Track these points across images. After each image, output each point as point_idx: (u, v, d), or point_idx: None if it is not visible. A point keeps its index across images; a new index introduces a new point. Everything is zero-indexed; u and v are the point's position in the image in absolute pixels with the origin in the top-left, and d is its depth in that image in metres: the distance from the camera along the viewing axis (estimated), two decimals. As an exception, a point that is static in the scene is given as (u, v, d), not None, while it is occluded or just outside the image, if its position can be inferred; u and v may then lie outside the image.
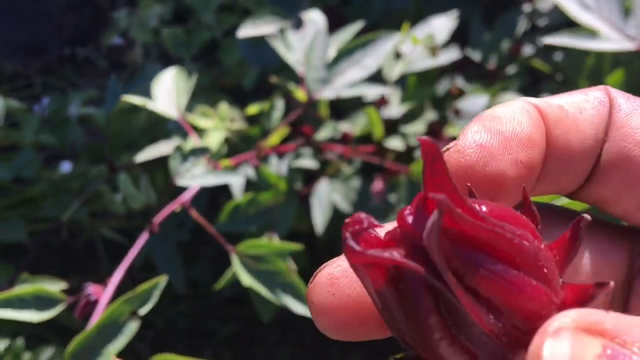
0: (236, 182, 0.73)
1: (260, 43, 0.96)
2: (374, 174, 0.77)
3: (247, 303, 1.17)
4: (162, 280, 0.45)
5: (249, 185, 0.82)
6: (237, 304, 1.16)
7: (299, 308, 0.58)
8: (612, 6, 0.50)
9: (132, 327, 0.43)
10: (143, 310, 0.44)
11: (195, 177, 0.53)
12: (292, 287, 0.58)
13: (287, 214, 0.79)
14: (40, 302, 0.53)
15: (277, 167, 0.80)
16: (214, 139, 0.64)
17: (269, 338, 1.15)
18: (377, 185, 0.74)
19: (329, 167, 0.83)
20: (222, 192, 1.19)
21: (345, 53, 0.65)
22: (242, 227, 0.79)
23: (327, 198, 0.81)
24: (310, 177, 0.87)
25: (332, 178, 0.81)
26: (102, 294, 0.50)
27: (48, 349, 0.81)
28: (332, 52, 0.68)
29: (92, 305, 0.50)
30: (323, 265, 0.22)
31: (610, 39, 0.50)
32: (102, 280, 0.52)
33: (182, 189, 0.68)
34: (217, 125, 0.79)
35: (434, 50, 0.63)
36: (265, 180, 0.80)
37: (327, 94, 0.64)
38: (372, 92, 0.64)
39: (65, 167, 0.92)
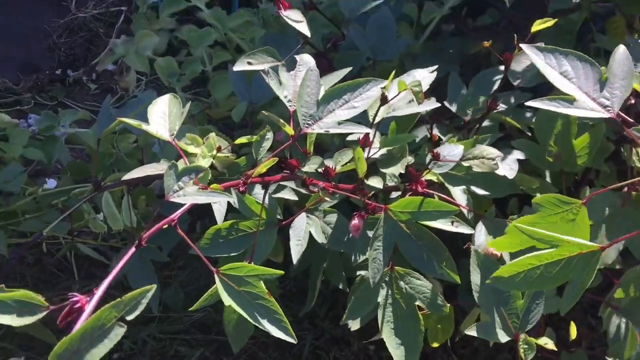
0: (224, 201, 0.77)
1: (250, 79, 1.01)
2: (353, 211, 0.81)
3: (216, 329, 1.18)
4: (151, 289, 0.47)
5: (231, 212, 0.85)
6: (206, 329, 1.17)
7: (276, 332, 0.60)
8: (588, 76, 0.56)
9: (117, 333, 0.45)
10: (130, 317, 0.46)
11: (188, 195, 0.56)
12: (270, 311, 0.60)
13: (266, 243, 0.82)
14: (23, 307, 0.54)
15: (259, 197, 0.83)
16: (202, 165, 0.67)
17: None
18: (355, 222, 0.77)
19: (308, 201, 0.86)
20: (198, 220, 1.22)
21: (335, 93, 0.70)
22: (221, 252, 0.82)
23: (304, 231, 0.84)
24: (288, 209, 0.91)
25: (311, 212, 0.85)
26: (87, 304, 0.52)
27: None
28: (321, 92, 0.72)
29: (75, 313, 0.52)
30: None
31: (587, 107, 0.56)
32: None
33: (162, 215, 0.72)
34: (204, 152, 0.82)
35: (419, 96, 0.68)
36: (247, 208, 0.83)
37: (316, 129, 0.68)
38: (358, 131, 0.68)
39: (51, 183, 0.94)
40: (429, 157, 0.83)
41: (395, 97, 0.73)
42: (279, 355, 1.15)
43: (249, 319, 0.60)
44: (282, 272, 0.61)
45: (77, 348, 0.44)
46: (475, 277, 0.69)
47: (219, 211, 0.83)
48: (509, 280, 0.52)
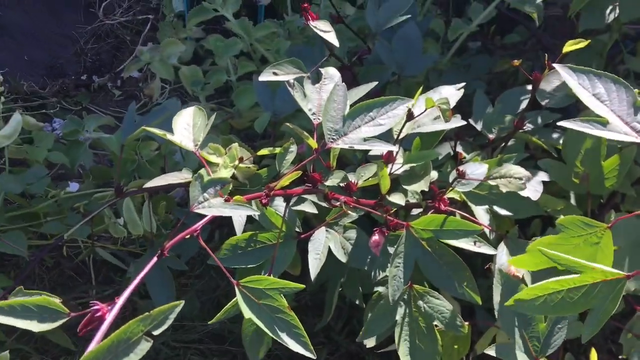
0: (245, 214, 0.76)
1: (275, 90, 1.01)
2: (373, 227, 0.80)
3: (231, 340, 1.17)
4: (179, 305, 0.47)
5: (248, 223, 0.84)
6: (220, 339, 1.17)
7: (295, 346, 0.59)
8: (622, 99, 0.55)
9: (143, 348, 0.44)
10: (156, 332, 0.46)
11: (212, 207, 0.56)
12: (290, 325, 0.60)
13: (285, 255, 0.81)
14: (44, 313, 0.54)
15: (279, 209, 0.83)
16: (224, 175, 0.67)
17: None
18: (376, 238, 0.77)
19: (328, 215, 0.85)
20: (216, 229, 1.22)
21: (362, 109, 0.69)
22: (239, 263, 0.81)
23: (323, 245, 0.83)
24: (307, 223, 0.90)
25: (330, 226, 0.84)
26: (107, 313, 0.52)
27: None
28: (347, 108, 0.72)
29: (95, 322, 0.51)
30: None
31: (619, 131, 0.55)
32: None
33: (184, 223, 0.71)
34: (226, 162, 0.82)
35: (447, 114, 0.67)
36: (267, 220, 0.83)
37: (341, 145, 0.68)
38: (383, 148, 0.68)
39: (73, 186, 0.94)
40: (452, 175, 0.82)
41: (422, 112, 0.72)
42: (293, 369, 1.14)
43: (268, 332, 0.59)
44: (303, 285, 0.61)
45: (102, 360, 0.43)
46: (497, 297, 0.68)
47: (239, 222, 0.82)
48: (530, 304, 0.51)
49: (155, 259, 0.56)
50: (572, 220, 0.59)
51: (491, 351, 0.68)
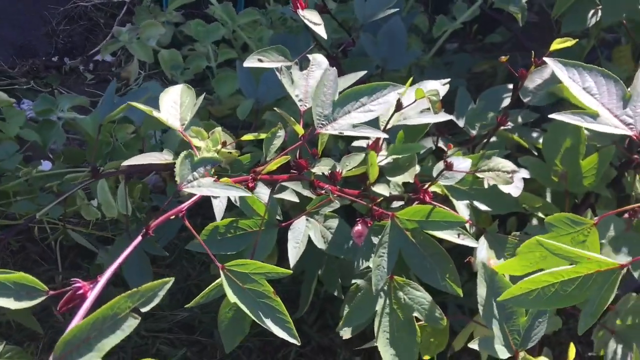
0: (224, 198, 0.75)
1: (258, 78, 0.99)
2: (351, 219, 0.80)
3: (200, 330, 1.15)
4: (169, 282, 0.46)
5: (228, 212, 0.83)
6: (190, 329, 1.14)
7: (279, 332, 0.59)
8: (612, 93, 0.56)
9: (131, 324, 0.43)
10: (145, 309, 0.44)
11: (202, 187, 0.55)
12: (275, 310, 0.59)
13: (266, 243, 0.80)
14: (21, 290, 0.52)
15: (260, 196, 0.81)
16: (216, 157, 0.65)
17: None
18: (359, 228, 0.76)
19: (309, 204, 0.85)
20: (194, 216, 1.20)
21: (352, 95, 0.69)
22: (219, 249, 0.80)
23: (303, 234, 0.82)
24: (284, 213, 0.89)
25: (311, 215, 0.83)
26: (89, 291, 0.50)
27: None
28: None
29: (77, 300, 0.49)
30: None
31: (609, 124, 0.56)
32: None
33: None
34: (208, 146, 0.81)
35: (436, 106, 0.67)
36: (248, 207, 0.81)
37: (330, 130, 0.67)
38: (373, 135, 0.67)
39: (46, 165, 0.91)
40: (437, 169, 0.82)
41: (410, 104, 0.72)
42: (264, 360, 1.13)
43: (253, 317, 0.58)
44: (289, 271, 0.60)
45: (87, 336, 0.41)
46: (482, 291, 0.69)
47: (219, 208, 0.81)
48: (522, 298, 0.51)
49: (140, 237, 0.54)
50: (559, 217, 0.60)
51: (474, 345, 0.68)
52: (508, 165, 0.68)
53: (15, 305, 0.50)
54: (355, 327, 0.86)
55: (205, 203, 0.79)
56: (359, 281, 0.88)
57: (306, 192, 0.85)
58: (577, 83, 0.58)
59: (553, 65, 0.58)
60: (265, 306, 0.60)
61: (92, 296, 0.49)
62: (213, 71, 1.18)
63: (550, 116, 0.58)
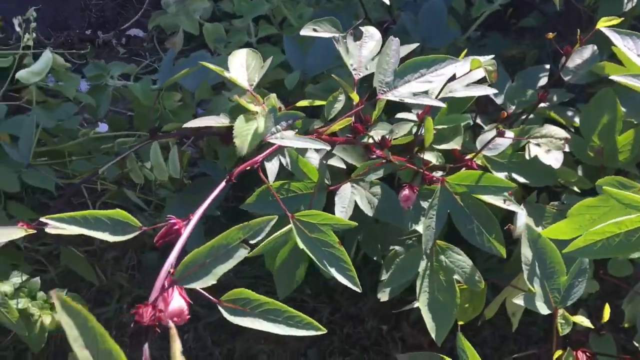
0: (276, 162, 0.79)
1: (305, 51, 1.03)
2: (402, 184, 0.84)
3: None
4: (273, 219, 0.50)
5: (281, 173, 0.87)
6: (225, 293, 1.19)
7: (342, 279, 0.63)
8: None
9: (240, 254, 0.47)
10: (253, 241, 0.48)
11: (285, 138, 0.59)
12: (339, 259, 0.63)
13: (317, 206, 0.84)
14: (117, 225, 0.56)
15: (312, 161, 0.85)
16: (298, 113, 0.69)
17: (249, 332, 1.17)
18: (406, 193, 0.80)
19: (354, 172, 0.89)
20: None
21: (412, 66, 0.73)
22: (269, 210, 0.84)
23: (349, 199, 0.86)
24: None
25: (356, 182, 0.87)
26: (183, 227, 0.54)
27: (62, 292, 0.82)
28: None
29: (172, 235, 0.53)
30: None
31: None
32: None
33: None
34: (263, 111, 0.84)
35: (492, 75, 0.71)
36: (299, 170, 0.85)
37: (390, 97, 0.71)
38: (431, 104, 0.71)
39: (102, 127, 0.95)
40: (479, 140, 0.86)
41: (463, 75, 0.76)
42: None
43: (319, 264, 0.62)
44: (355, 223, 0.64)
45: (203, 261, 0.46)
46: (527, 251, 0.73)
47: (272, 170, 0.85)
48: (587, 249, 0.55)
49: (223, 183, 0.58)
50: (610, 180, 0.64)
51: (519, 301, 0.72)
52: (561, 132, 0.72)
53: (112, 238, 0.54)
54: (393, 289, 0.90)
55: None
56: (397, 247, 0.93)
57: (351, 160, 0.89)
58: (632, 50, 0.62)
59: (609, 34, 0.62)
60: (330, 255, 0.64)
61: (186, 233, 0.53)
62: (253, 46, 1.22)
63: (610, 77, 0.62)
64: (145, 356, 0.38)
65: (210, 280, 0.45)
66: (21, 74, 0.92)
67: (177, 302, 0.45)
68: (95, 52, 1.61)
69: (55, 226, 0.66)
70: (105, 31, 1.66)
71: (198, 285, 0.46)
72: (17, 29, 1.02)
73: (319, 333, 0.51)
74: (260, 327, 0.48)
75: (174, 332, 0.34)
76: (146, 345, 0.39)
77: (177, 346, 0.33)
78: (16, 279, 0.81)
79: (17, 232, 0.69)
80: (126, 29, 1.66)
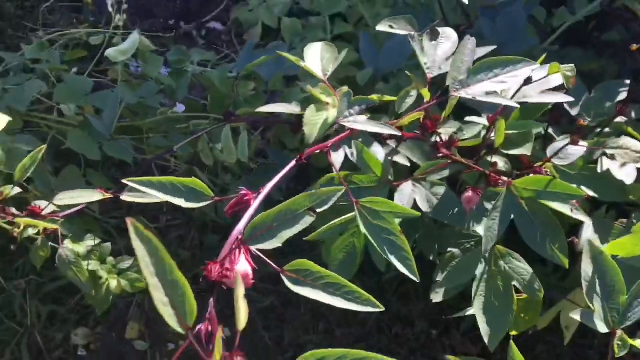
0: (341, 153, 0.80)
1: (380, 47, 1.04)
2: (465, 186, 0.84)
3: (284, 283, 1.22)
4: (341, 190, 0.51)
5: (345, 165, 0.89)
6: (276, 281, 1.21)
7: (401, 268, 0.63)
8: None
9: (307, 220, 0.49)
10: (319, 210, 0.50)
11: (358, 123, 0.60)
12: (400, 248, 0.64)
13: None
14: (191, 193, 0.59)
15: (377, 155, 0.86)
16: (372, 98, 0.71)
17: (301, 318, 1.19)
18: (469, 194, 0.80)
19: (417, 170, 0.89)
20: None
21: (486, 66, 0.73)
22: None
23: (409, 197, 0.87)
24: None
25: (417, 181, 0.88)
26: (253, 199, 0.56)
27: (129, 260, 0.86)
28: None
29: (242, 205, 0.56)
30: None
31: None
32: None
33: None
34: (334, 102, 0.86)
35: (570, 81, 0.70)
36: (364, 163, 0.86)
37: (463, 94, 0.72)
38: (504, 103, 0.71)
39: (180, 108, 0.99)
40: (551, 149, 0.85)
41: (540, 80, 0.76)
42: (343, 321, 1.19)
43: (379, 251, 0.63)
44: (418, 213, 0.64)
45: (270, 225, 0.48)
46: (587, 268, 0.71)
47: (337, 160, 0.86)
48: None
49: (294, 162, 0.60)
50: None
51: (576, 315, 0.71)
52: (638, 145, 0.71)
53: (186, 204, 0.57)
54: (447, 290, 0.90)
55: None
56: (454, 250, 0.92)
57: (416, 159, 0.90)
58: None
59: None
60: (391, 243, 0.65)
61: (255, 204, 0.55)
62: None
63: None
64: (210, 307, 0.40)
65: (276, 242, 0.47)
66: (110, 52, 0.98)
67: (243, 265, 0.47)
68: (176, 42, 1.68)
69: (131, 194, 0.70)
70: (187, 22, 1.73)
71: (265, 247, 0.48)
72: (110, 9, 1.08)
73: (377, 310, 0.52)
74: (319, 298, 0.49)
75: (239, 277, 0.36)
76: (212, 299, 0.42)
77: (241, 291, 0.35)
78: (90, 242, 0.86)
79: (95, 196, 0.74)
80: (207, 21, 1.73)
